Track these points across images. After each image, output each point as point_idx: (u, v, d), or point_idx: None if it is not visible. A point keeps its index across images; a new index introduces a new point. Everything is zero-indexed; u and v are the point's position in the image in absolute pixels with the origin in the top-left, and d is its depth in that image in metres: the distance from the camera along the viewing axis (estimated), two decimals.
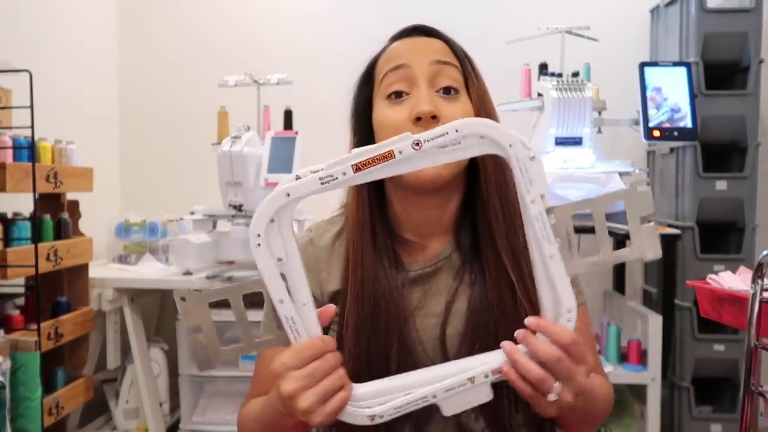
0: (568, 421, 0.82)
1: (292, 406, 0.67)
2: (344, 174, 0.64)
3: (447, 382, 0.67)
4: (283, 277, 0.67)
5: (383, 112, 0.85)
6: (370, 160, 0.64)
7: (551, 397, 0.66)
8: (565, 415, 0.72)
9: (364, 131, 0.90)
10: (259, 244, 0.66)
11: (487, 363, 0.68)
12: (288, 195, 0.65)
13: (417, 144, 0.64)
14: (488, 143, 0.65)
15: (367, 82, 0.91)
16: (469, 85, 0.86)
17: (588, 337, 0.94)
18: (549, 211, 0.66)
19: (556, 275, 0.66)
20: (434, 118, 0.81)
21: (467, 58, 0.89)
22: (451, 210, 0.88)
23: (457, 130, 0.64)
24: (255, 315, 0.74)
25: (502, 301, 0.82)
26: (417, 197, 0.86)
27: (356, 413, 0.68)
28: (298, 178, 0.66)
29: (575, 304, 0.67)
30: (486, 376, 0.67)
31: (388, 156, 0.64)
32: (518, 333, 0.68)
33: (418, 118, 0.81)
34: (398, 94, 0.84)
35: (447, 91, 0.84)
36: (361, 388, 0.69)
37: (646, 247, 0.67)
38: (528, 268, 0.81)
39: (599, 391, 0.86)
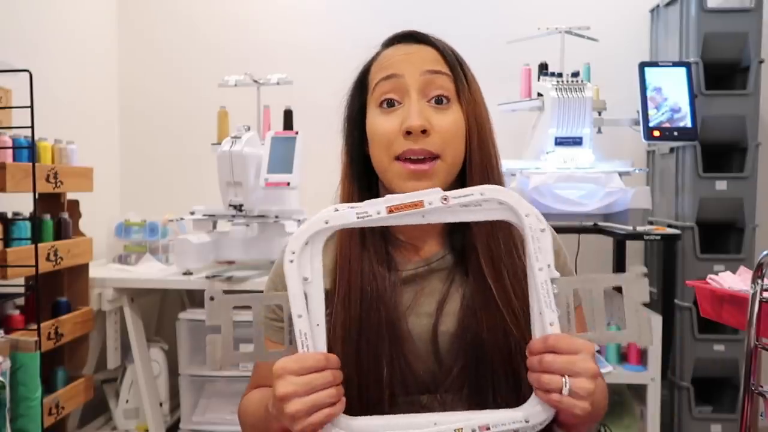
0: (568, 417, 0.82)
1: (282, 408, 0.70)
2: (378, 213, 0.72)
3: (434, 429, 0.70)
4: (306, 295, 0.72)
5: (375, 120, 0.86)
6: (402, 206, 0.72)
7: (564, 390, 0.68)
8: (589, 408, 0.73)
9: (355, 137, 0.92)
10: (291, 261, 0.71)
11: (477, 419, 0.71)
12: (326, 222, 0.72)
13: (445, 199, 0.71)
14: (506, 210, 0.72)
15: (361, 88, 0.91)
16: (460, 93, 0.86)
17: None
18: (553, 281, 0.71)
19: None
20: (424, 132, 0.83)
21: (460, 64, 0.88)
22: None
23: (481, 194, 0.72)
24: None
25: (486, 303, 0.83)
26: None
27: None
28: (336, 210, 0.72)
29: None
30: (473, 430, 0.70)
31: (419, 205, 0.71)
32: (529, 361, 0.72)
33: (409, 132, 0.82)
34: (390, 103, 0.85)
35: (438, 101, 0.85)
36: (353, 420, 0.73)
37: (640, 334, 0.71)
38: (508, 275, 0.84)
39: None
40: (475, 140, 0.86)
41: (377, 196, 0.92)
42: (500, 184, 0.88)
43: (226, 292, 0.72)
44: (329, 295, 0.87)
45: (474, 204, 0.72)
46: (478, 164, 0.86)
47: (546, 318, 0.70)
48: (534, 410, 0.71)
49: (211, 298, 0.72)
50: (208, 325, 0.73)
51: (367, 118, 0.89)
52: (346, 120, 0.93)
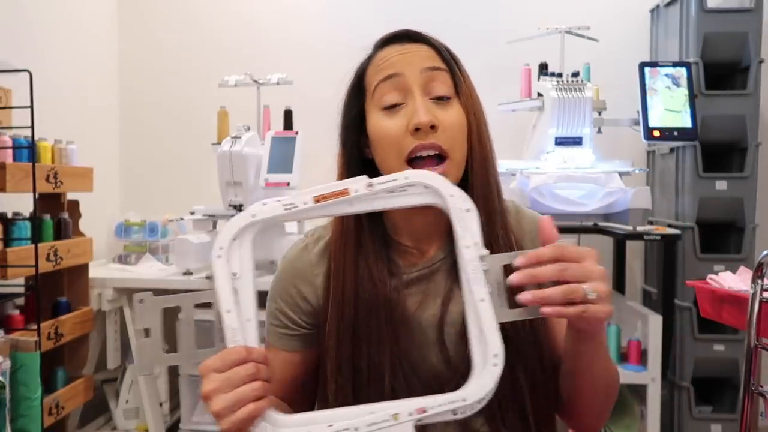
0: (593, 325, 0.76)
1: (208, 407, 0.68)
2: (305, 203, 0.71)
3: (370, 417, 0.69)
4: (235, 291, 0.71)
5: (380, 123, 0.85)
6: (329, 195, 0.71)
7: (591, 295, 0.67)
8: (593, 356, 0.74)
9: (353, 141, 0.90)
10: (219, 256, 0.71)
11: (413, 403, 0.69)
12: (253, 216, 0.71)
13: (370, 185, 0.71)
14: (431, 193, 0.72)
15: (358, 92, 0.90)
16: (459, 89, 0.87)
17: None
18: (482, 258, 0.70)
19: (484, 319, 0.69)
20: (433, 128, 0.82)
21: (454, 59, 0.89)
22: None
23: (406, 178, 0.71)
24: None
25: None
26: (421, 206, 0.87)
27: None
28: (264, 204, 0.72)
29: (502, 349, 0.69)
30: (410, 414, 0.68)
31: (345, 193, 0.71)
32: (512, 278, 0.69)
33: (417, 129, 0.82)
34: (392, 105, 0.85)
35: (440, 97, 0.85)
36: (284, 417, 0.70)
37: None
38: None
39: (607, 353, 0.84)
40: (475, 135, 0.86)
41: None
42: (497, 180, 0.88)
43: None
44: (323, 310, 0.87)
45: (399, 189, 0.71)
46: (479, 159, 0.86)
47: (476, 294, 0.69)
48: (471, 388, 0.69)
49: (141, 301, 0.71)
50: (137, 329, 0.72)
51: (368, 121, 0.88)
52: (345, 127, 0.91)
